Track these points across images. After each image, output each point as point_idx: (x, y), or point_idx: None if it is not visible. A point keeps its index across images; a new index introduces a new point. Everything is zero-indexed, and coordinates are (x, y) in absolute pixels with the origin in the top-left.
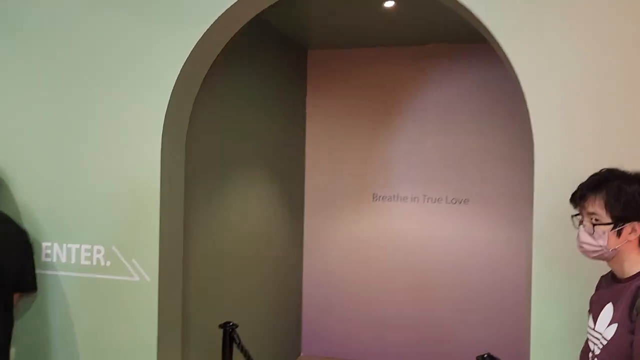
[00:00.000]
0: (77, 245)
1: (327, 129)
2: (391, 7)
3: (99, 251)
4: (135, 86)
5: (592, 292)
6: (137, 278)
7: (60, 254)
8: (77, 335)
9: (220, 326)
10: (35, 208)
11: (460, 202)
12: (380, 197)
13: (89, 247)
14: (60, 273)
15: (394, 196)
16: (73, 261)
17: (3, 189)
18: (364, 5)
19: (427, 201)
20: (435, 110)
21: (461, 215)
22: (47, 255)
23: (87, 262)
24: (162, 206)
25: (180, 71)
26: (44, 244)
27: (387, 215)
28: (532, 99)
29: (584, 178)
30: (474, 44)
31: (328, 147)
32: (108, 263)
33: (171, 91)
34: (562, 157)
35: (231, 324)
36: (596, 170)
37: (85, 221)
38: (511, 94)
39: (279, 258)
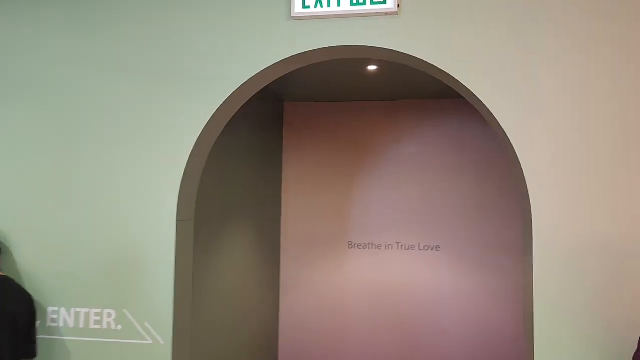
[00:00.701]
0: (86, 310)
1: (303, 178)
2: (373, 70)
3: (109, 315)
4: (155, 145)
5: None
6: (150, 341)
7: (68, 318)
8: None
9: None
10: (40, 272)
11: (432, 249)
12: (355, 244)
13: (98, 310)
14: (68, 338)
15: (369, 244)
16: (81, 326)
17: (5, 253)
18: (346, 67)
19: (401, 248)
20: (408, 161)
21: (433, 261)
22: (52, 320)
23: (97, 326)
24: (176, 268)
25: (196, 143)
26: (50, 309)
27: (362, 262)
28: (524, 156)
29: (581, 232)
30: (445, 99)
31: (304, 196)
32: (119, 327)
33: (187, 160)
34: (559, 213)
35: None
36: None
37: (95, 285)
38: (482, 146)
39: (256, 307)
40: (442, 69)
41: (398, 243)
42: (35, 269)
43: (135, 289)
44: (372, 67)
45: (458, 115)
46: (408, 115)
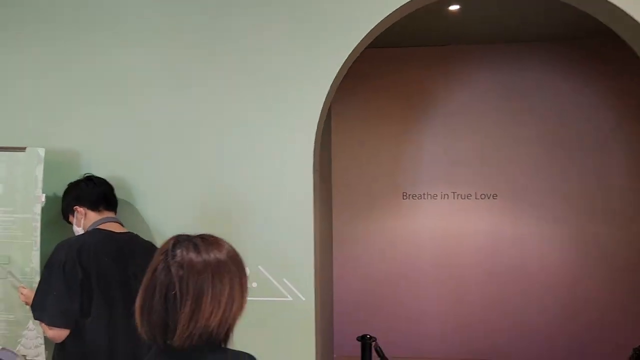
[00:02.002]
0: None
1: (353, 128)
2: (454, 10)
3: None
4: (292, 95)
5: None
6: (289, 298)
7: None
8: None
9: (358, 339)
10: (163, 228)
11: (489, 197)
12: (410, 195)
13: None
14: None
15: (423, 194)
16: None
17: (123, 209)
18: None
19: (457, 197)
20: (462, 108)
21: (490, 210)
22: None
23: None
24: (315, 219)
25: (327, 94)
26: None
27: (417, 213)
28: None
29: None
30: (505, 43)
31: (355, 146)
32: (254, 284)
33: (320, 110)
34: None
35: (368, 336)
36: None
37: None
38: (542, 93)
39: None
40: None
41: (454, 192)
42: (158, 225)
43: (270, 243)
44: (454, 7)
45: (516, 62)
46: (462, 61)
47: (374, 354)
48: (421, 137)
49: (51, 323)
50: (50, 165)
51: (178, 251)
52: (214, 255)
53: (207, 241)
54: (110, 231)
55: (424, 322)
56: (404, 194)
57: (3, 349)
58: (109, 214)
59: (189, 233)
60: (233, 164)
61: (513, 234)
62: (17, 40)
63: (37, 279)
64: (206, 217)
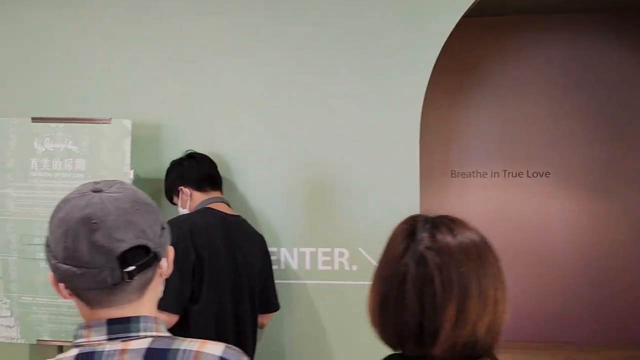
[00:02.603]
0: (313, 249)
1: None
2: None
3: (341, 254)
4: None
5: None
6: None
7: (291, 260)
8: (319, 350)
9: None
10: (261, 209)
11: (541, 175)
12: (458, 173)
13: (328, 250)
14: (292, 281)
15: (473, 172)
16: (308, 267)
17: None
18: None
19: (508, 175)
20: (513, 82)
21: (543, 188)
22: (273, 262)
23: (327, 267)
24: (421, 194)
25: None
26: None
27: (466, 191)
28: None
29: None
30: (556, 15)
31: None
32: (354, 267)
33: (428, 80)
34: None
35: None
36: None
37: (324, 223)
38: (601, 67)
39: None
40: None
41: (505, 170)
42: (249, 206)
43: (372, 223)
44: None
45: (574, 34)
46: (516, 33)
47: None
48: (471, 113)
49: (163, 307)
50: (134, 140)
51: (426, 234)
52: (470, 238)
53: (457, 222)
54: (222, 212)
55: None
56: (452, 172)
57: (227, 347)
58: (215, 194)
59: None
60: (332, 139)
61: (566, 212)
62: (98, 12)
63: None
64: (301, 196)
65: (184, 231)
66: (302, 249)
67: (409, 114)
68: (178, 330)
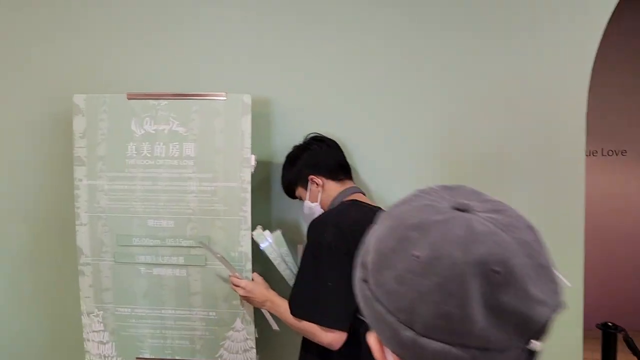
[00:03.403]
0: None
1: None
2: None
3: None
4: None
5: None
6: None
7: None
8: None
9: (599, 327)
10: (392, 194)
11: (617, 154)
12: None
13: None
14: None
15: None
16: None
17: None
18: None
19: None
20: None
21: (619, 167)
22: None
23: None
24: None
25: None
26: None
27: None
28: None
29: None
30: None
31: None
32: None
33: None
34: None
35: (611, 324)
36: None
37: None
38: None
39: None
40: None
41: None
42: (377, 190)
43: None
44: None
45: None
46: None
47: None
48: None
49: (332, 324)
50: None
51: None
52: None
53: None
54: (370, 205)
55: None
56: None
57: None
58: (350, 183)
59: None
60: (481, 109)
61: None
62: None
63: (248, 266)
64: (442, 175)
65: (341, 231)
66: None
67: (575, 89)
68: (343, 350)
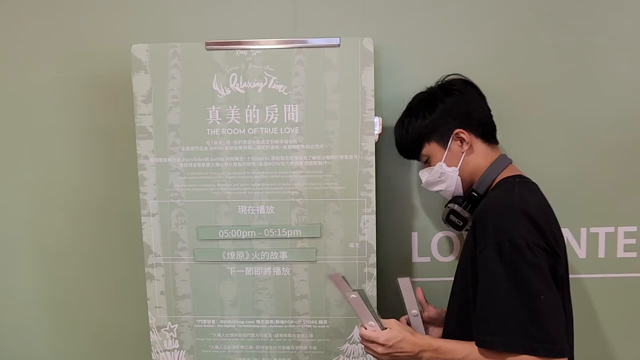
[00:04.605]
0: (610, 229)
1: None
2: None
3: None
4: None
5: None
6: None
7: (576, 245)
8: None
9: None
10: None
11: None
12: None
13: (633, 229)
14: (580, 276)
15: None
16: (602, 255)
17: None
18: None
19: None
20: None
21: None
22: None
23: (631, 254)
24: None
25: None
26: None
27: None
28: None
29: None
30: None
31: None
32: None
33: None
34: None
35: None
36: None
37: (628, 191)
38: None
39: None
40: None
41: None
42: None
43: None
44: None
45: None
46: None
47: None
48: None
49: (559, 353)
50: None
51: None
52: None
53: None
54: (535, 184)
55: None
56: None
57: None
58: (499, 151)
59: None
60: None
61: None
62: None
63: (372, 259)
64: (589, 156)
65: (535, 222)
66: (593, 229)
67: None
68: None
